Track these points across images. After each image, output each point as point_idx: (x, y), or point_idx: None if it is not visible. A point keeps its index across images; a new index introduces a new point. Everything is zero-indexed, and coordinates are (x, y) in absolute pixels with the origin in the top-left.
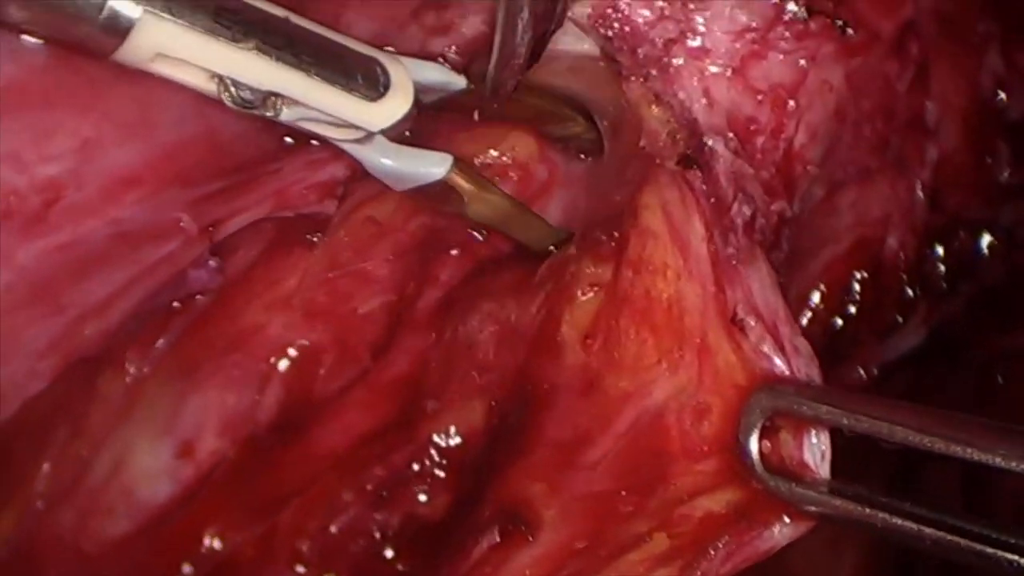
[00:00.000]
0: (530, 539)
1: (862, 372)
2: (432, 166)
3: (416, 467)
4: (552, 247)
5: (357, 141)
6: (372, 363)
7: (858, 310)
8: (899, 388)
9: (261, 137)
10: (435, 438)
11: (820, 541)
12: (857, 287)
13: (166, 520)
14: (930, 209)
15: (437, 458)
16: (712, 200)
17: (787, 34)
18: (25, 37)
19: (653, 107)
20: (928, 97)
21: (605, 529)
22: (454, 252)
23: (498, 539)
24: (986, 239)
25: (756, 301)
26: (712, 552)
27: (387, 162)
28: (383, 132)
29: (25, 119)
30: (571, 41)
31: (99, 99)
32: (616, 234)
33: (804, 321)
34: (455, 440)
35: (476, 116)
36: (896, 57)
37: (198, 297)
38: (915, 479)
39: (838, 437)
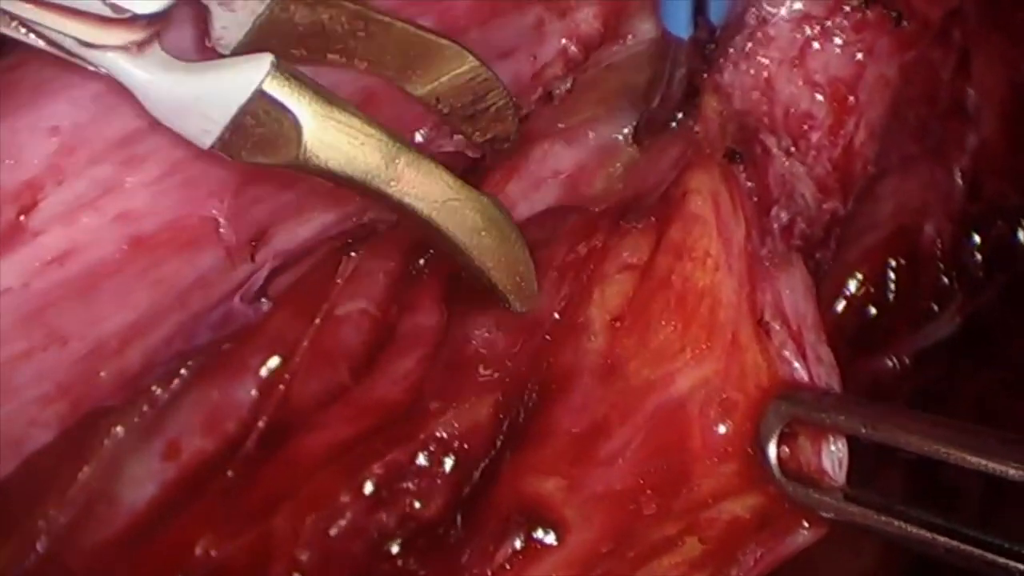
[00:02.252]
0: (555, 543)
1: (895, 361)
2: (241, 74)
3: (417, 464)
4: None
5: (123, 49)
6: (352, 382)
7: (893, 298)
8: (931, 377)
9: None
10: (437, 434)
11: (840, 537)
12: (893, 275)
13: (150, 529)
14: (968, 197)
15: (439, 454)
16: (755, 199)
17: (846, 23)
18: None
19: (712, 97)
20: (968, 83)
21: (631, 530)
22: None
23: (522, 543)
24: (1022, 228)
25: (784, 305)
26: (742, 558)
27: (171, 80)
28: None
29: None
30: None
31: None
32: (653, 219)
33: (839, 309)
34: (459, 436)
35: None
36: (941, 44)
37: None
38: (934, 487)
39: (856, 442)
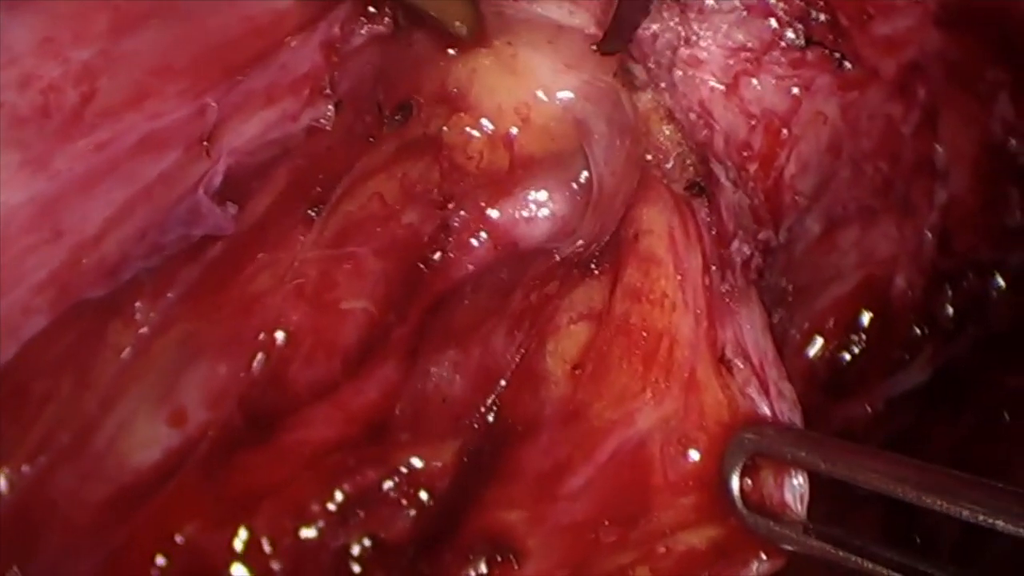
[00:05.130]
0: (516, 567)
1: (867, 407)
2: None
3: (385, 488)
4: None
5: None
6: (343, 378)
7: (865, 347)
8: (904, 423)
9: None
10: (405, 467)
11: None
12: (865, 325)
13: (146, 494)
14: (939, 251)
15: (407, 485)
16: (713, 232)
17: (783, 59)
18: None
19: (664, 124)
20: (936, 141)
21: (589, 559)
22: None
23: (485, 569)
24: (994, 281)
25: (746, 342)
26: None
27: None
28: None
29: (50, 1)
30: (556, 11)
31: None
32: (607, 264)
33: (811, 354)
34: (424, 472)
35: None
36: (900, 99)
37: (209, 247)
38: (913, 525)
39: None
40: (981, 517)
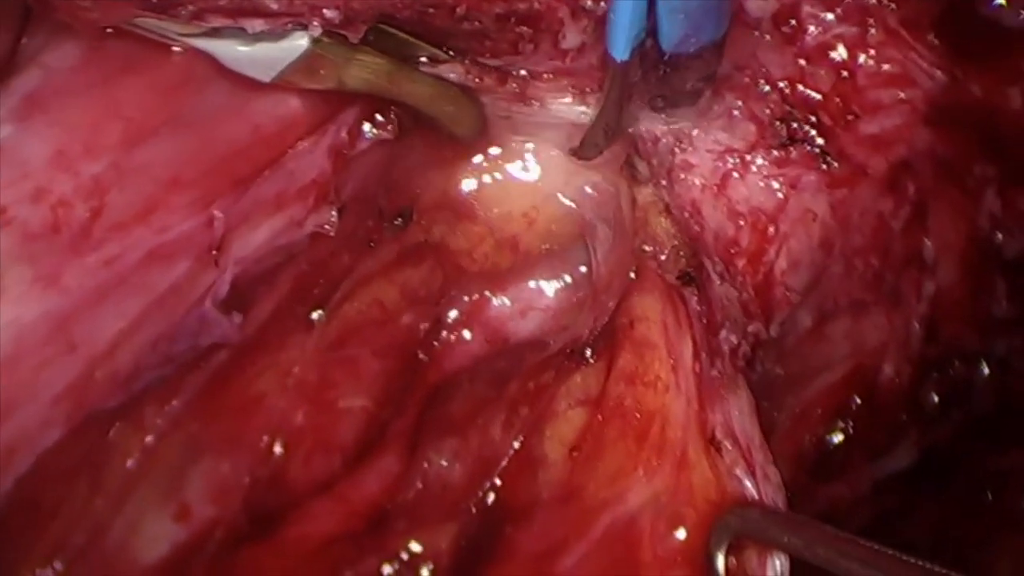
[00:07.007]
0: None
1: (852, 489)
2: (296, 39)
3: (387, 574)
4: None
5: (206, 35)
6: (342, 473)
7: (852, 432)
8: (888, 503)
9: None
10: (405, 552)
11: None
12: (852, 411)
13: None
14: (926, 340)
15: (408, 570)
16: (703, 321)
17: (767, 159)
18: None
19: (662, 217)
20: (926, 235)
21: None
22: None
23: None
24: (980, 369)
25: (734, 426)
26: None
27: (244, 48)
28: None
29: (64, 113)
30: (569, 111)
31: (125, 86)
32: (602, 351)
33: (799, 438)
34: (426, 554)
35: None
36: (890, 196)
37: (215, 354)
38: None
39: None
40: None
